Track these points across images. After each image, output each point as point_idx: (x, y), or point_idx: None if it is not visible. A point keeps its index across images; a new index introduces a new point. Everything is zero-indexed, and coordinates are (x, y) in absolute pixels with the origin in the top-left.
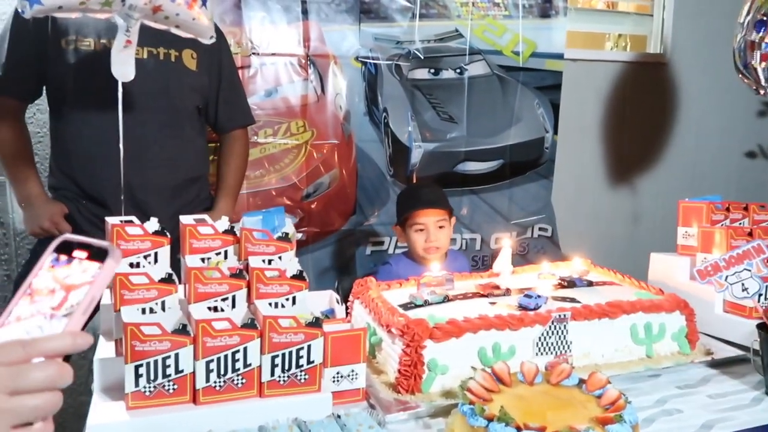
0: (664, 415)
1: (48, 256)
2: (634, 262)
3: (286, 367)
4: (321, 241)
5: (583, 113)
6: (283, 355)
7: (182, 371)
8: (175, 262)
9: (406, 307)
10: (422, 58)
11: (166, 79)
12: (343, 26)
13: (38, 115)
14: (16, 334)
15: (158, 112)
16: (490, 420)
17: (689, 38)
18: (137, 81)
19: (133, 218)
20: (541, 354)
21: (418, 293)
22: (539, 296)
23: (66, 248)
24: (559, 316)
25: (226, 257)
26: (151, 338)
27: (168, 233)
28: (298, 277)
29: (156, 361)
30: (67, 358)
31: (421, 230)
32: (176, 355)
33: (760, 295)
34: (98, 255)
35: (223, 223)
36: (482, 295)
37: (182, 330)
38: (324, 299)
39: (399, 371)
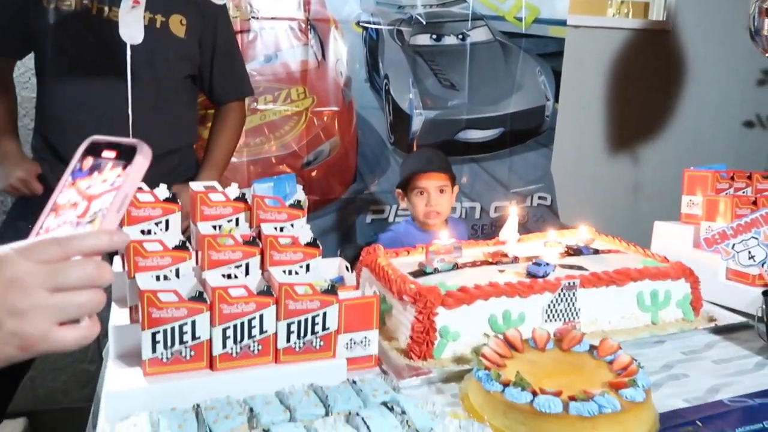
0: (671, 380)
1: (72, 167)
2: (635, 230)
3: (302, 334)
4: (321, 209)
5: (584, 81)
6: (299, 322)
7: (199, 338)
8: None
9: (416, 274)
10: (424, 23)
11: (150, 48)
12: None
13: (33, 79)
14: None
15: (139, 82)
16: (506, 385)
17: (693, 5)
18: (118, 48)
19: (143, 184)
20: (550, 321)
21: (428, 261)
22: (547, 264)
23: (94, 150)
24: (568, 283)
25: (237, 224)
26: (167, 305)
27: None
28: (312, 244)
29: (173, 328)
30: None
31: (422, 194)
32: (193, 322)
33: (765, 263)
34: (126, 154)
35: (234, 191)
36: (491, 263)
37: (198, 297)
38: (333, 266)
39: (411, 338)
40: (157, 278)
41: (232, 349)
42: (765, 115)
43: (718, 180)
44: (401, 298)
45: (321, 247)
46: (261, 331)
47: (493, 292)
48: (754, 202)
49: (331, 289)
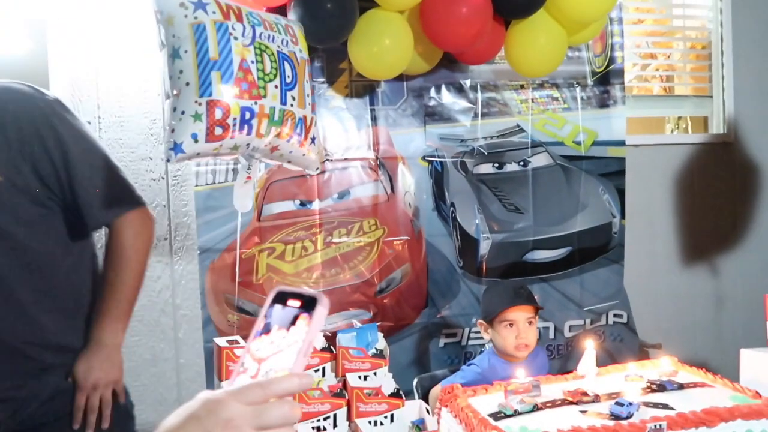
0: None
1: (263, 314)
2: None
3: None
4: (395, 335)
5: (649, 196)
6: None
7: None
8: None
9: (495, 417)
10: (486, 153)
11: None
12: (409, 129)
13: None
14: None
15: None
16: None
17: (753, 115)
18: None
19: (238, 338)
20: None
21: (507, 402)
22: (631, 404)
23: (281, 299)
24: (655, 426)
25: (323, 374)
26: None
27: None
28: (395, 395)
29: None
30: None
31: (511, 326)
32: None
33: None
34: (309, 305)
35: (320, 341)
36: (571, 402)
37: None
38: (414, 409)
39: None
40: None
41: None
42: None
43: None
44: None
45: (404, 397)
46: None
47: None
48: None
49: None
